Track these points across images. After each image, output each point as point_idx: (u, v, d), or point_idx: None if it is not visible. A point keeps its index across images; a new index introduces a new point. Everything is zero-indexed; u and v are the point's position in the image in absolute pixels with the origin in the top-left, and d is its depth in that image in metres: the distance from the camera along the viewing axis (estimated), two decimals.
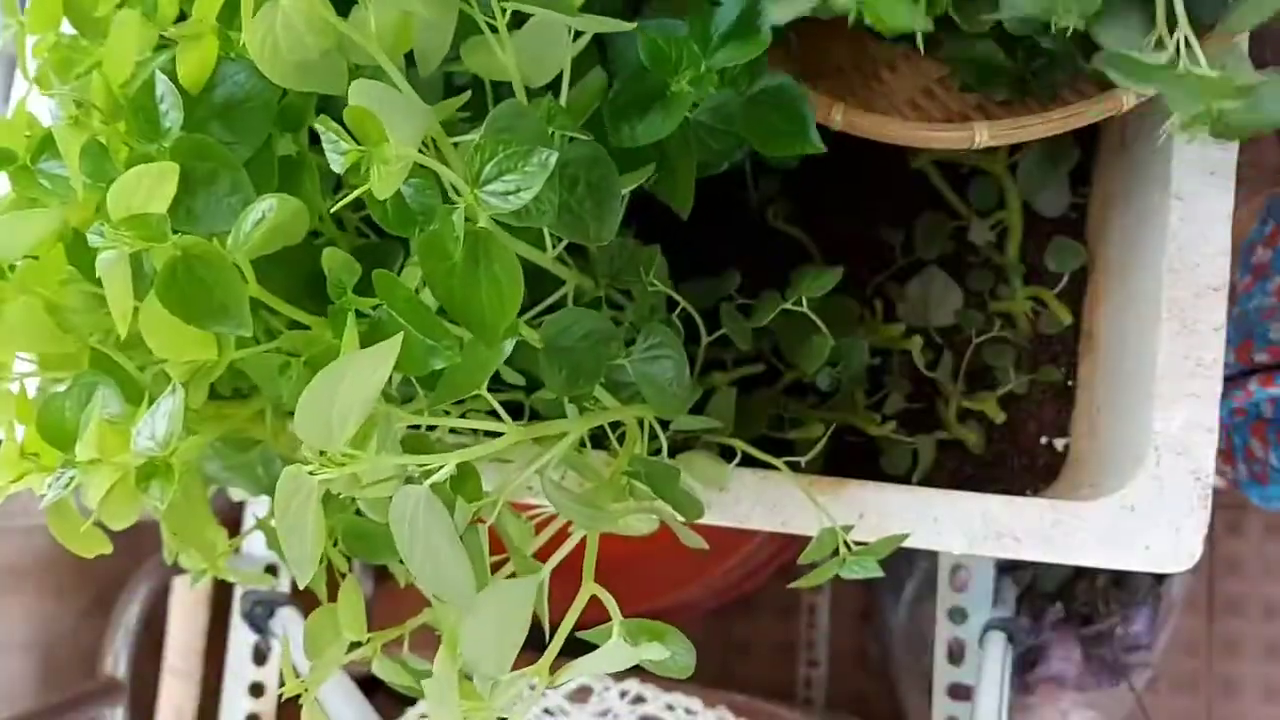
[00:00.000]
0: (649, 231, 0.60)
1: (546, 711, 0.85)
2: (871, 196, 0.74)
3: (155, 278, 0.38)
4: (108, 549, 0.45)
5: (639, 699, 0.85)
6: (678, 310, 0.58)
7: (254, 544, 0.90)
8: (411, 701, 0.87)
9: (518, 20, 0.46)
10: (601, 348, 0.49)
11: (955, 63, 0.59)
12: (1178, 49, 0.48)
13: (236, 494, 0.61)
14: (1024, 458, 0.73)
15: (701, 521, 0.55)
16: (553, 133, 0.44)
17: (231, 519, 0.90)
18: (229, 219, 0.40)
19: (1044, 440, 0.74)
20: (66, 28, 0.47)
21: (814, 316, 0.61)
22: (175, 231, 0.39)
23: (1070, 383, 0.69)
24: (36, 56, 0.46)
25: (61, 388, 0.44)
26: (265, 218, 0.39)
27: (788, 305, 0.61)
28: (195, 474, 0.47)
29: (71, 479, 0.41)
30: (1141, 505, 0.59)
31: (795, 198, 0.72)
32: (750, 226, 0.73)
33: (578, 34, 0.48)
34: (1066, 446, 0.73)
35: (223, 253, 0.39)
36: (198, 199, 0.41)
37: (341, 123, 0.39)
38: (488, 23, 0.44)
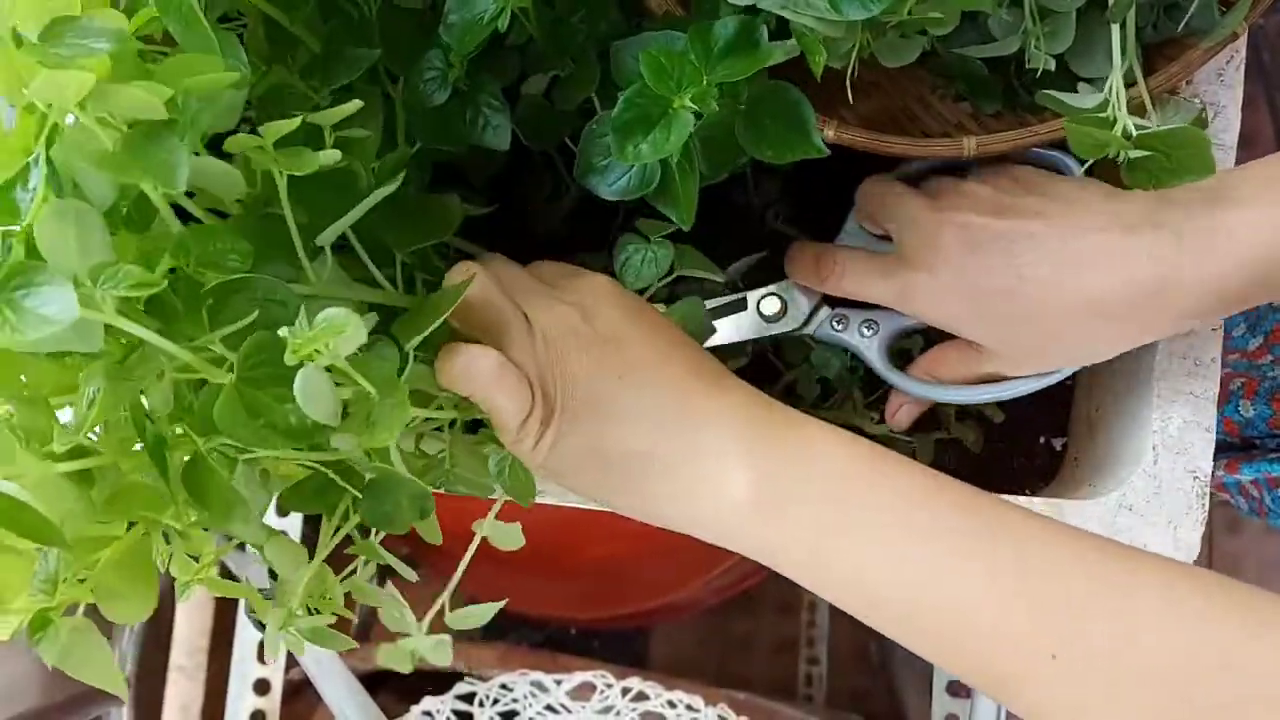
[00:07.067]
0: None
1: (549, 709, 0.85)
2: None
3: None
4: None
5: (641, 696, 0.85)
6: None
7: None
8: (415, 699, 0.87)
9: None
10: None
11: (948, 76, 0.60)
12: (1117, 89, 0.49)
13: None
14: (1022, 457, 0.74)
15: None
16: None
17: None
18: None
19: (1042, 440, 0.74)
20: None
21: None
22: None
23: (1068, 382, 0.69)
24: None
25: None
26: (94, 400, 0.39)
27: None
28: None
29: None
30: (1139, 504, 0.60)
31: (796, 200, 0.73)
32: (750, 229, 0.73)
33: None
34: (1065, 446, 0.74)
35: (42, 516, 0.37)
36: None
37: None
38: None
